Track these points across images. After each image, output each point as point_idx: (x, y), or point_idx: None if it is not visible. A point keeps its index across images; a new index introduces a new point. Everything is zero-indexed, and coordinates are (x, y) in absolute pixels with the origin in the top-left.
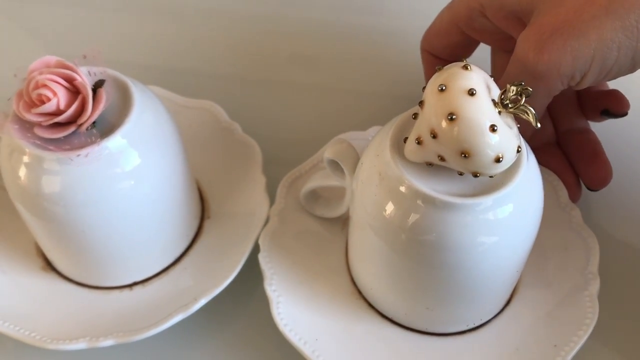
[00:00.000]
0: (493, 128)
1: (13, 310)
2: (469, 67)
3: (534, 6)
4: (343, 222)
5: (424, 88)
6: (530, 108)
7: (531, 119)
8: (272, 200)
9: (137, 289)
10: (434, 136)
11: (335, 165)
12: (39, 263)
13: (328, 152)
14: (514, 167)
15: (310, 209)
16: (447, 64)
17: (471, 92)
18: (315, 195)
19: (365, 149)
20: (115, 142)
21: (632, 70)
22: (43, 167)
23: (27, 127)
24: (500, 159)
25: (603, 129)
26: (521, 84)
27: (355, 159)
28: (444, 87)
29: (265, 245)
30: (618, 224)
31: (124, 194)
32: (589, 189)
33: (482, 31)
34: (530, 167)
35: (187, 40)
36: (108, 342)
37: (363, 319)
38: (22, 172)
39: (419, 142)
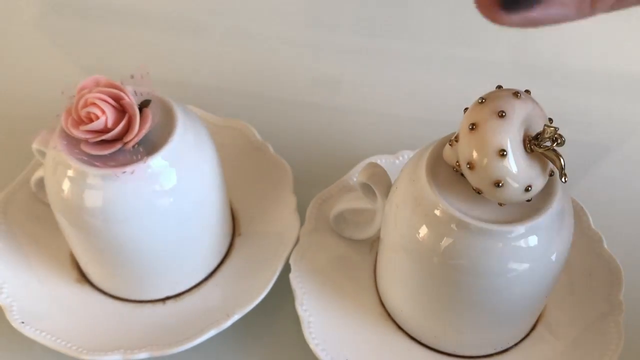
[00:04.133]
0: (527, 189)
1: (49, 320)
2: (503, 113)
3: None
4: (371, 243)
5: (465, 109)
6: (560, 155)
7: (557, 167)
8: (301, 220)
9: (169, 303)
10: (470, 167)
11: (367, 188)
12: (73, 275)
13: (361, 175)
14: (547, 195)
15: (340, 231)
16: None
17: (502, 154)
18: (344, 217)
19: (399, 174)
20: (158, 160)
21: None
22: (87, 181)
23: (74, 143)
24: (529, 189)
25: (622, 148)
26: (556, 129)
27: (388, 183)
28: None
29: (296, 265)
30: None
31: (163, 211)
32: None
33: None
34: (562, 198)
35: (221, 60)
36: (143, 355)
37: (392, 340)
38: (66, 185)
39: (456, 169)
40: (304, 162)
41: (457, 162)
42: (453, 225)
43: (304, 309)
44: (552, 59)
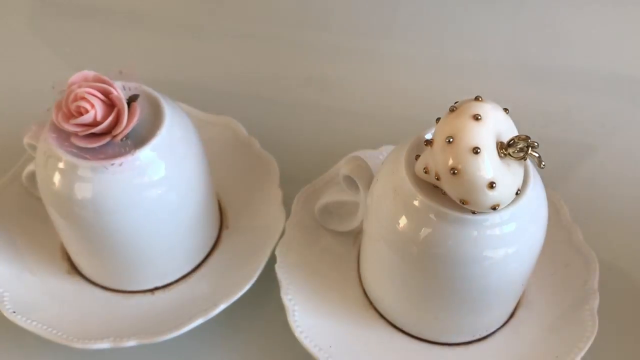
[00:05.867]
0: (492, 185)
1: (40, 310)
2: (479, 117)
3: None
4: (355, 235)
5: (438, 119)
6: (536, 154)
7: (537, 162)
8: (287, 214)
9: (158, 293)
10: (438, 178)
11: (350, 181)
12: (64, 267)
13: (344, 168)
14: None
15: (324, 223)
16: (461, 101)
17: (475, 151)
18: (329, 210)
19: (380, 167)
20: (146, 153)
21: None
22: (77, 174)
23: (64, 136)
24: (497, 207)
25: (607, 146)
26: (529, 138)
27: (370, 176)
28: (451, 140)
29: (281, 256)
30: (617, 241)
31: (151, 202)
32: None
33: None
34: (535, 187)
35: (209, 58)
36: (131, 343)
37: (374, 328)
38: (57, 178)
39: (426, 171)
40: (289, 158)
41: (427, 167)
42: (431, 215)
43: (289, 298)
44: (538, 59)
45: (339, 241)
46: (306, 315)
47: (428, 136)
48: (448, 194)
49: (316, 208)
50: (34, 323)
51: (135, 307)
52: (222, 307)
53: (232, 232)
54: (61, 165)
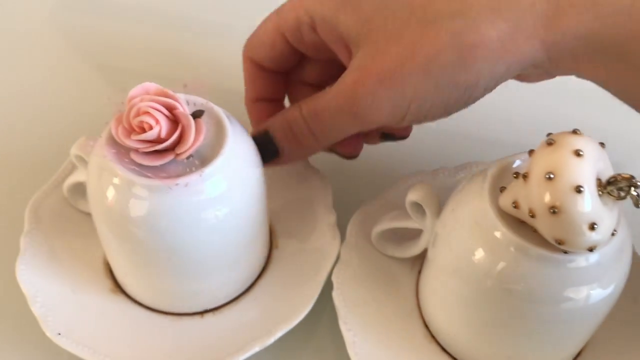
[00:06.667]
0: (593, 226)
1: (85, 332)
2: (581, 152)
3: (361, 41)
4: (412, 261)
5: (530, 151)
6: (635, 193)
7: (634, 201)
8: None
9: (208, 317)
10: (532, 215)
11: (417, 207)
12: (107, 285)
13: (413, 195)
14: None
15: (382, 249)
16: (558, 134)
17: (578, 189)
18: (386, 235)
19: (456, 195)
20: (211, 173)
21: (445, 116)
22: (135, 192)
23: (123, 152)
24: (594, 248)
25: None
26: (633, 177)
27: (437, 203)
28: (551, 176)
29: (338, 282)
30: None
31: (210, 223)
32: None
33: (309, 45)
34: (624, 227)
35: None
36: None
37: None
38: (112, 194)
39: (516, 206)
40: (341, 177)
41: (517, 202)
42: (512, 249)
43: (348, 328)
44: None
45: (395, 267)
46: (366, 347)
47: (516, 166)
48: (541, 232)
49: (374, 233)
50: (80, 347)
51: (184, 330)
52: (278, 334)
53: (282, 252)
54: (119, 181)
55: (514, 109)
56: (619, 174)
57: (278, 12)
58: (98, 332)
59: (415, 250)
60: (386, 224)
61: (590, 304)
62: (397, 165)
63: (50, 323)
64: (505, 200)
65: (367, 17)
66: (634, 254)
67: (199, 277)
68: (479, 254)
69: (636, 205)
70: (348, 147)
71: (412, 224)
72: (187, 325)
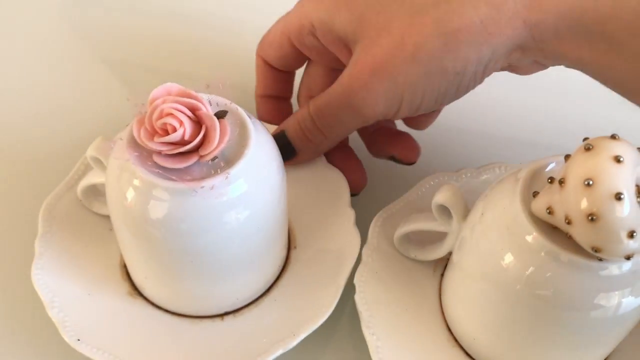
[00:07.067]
0: (632, 234)
1: (101, 336)
2: (621, 159)
3: (357, 38)
4: (434, 264)
5: (567, 156)
6: None
7: None
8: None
9: (228, 319)
10: (569, 222)
11: (442, 210)
12: (125, 287)
13: (439, 197)
14: None
15: (404, 251)
16: (596, 139)
17: (618, 197)
18: (408, 237)
19: (485, 198)
20: (235, 175)
21: (439, 106)
22: (159, 195)
23: (145, 154)
24: (631, 257)
25: None
26: None
27: (464, 205)
28: (590, 182)
29: (361, 285)
30: None
31: (233, 224)
32: (405, 163)
33: (311, 48)
34: None
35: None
36: None
37: None
38: (131, 195)
39: (550, 212)
40: None
41: (551, 208)
42: (543, 254)
43: (371, 333)
44: None
45: (417, 270)
46: (390, 352)
47: (549, 170)
48: (577, 239)
49: (397, 235)
50: (100, 352)
51: (205, 333)
52: (302, 336)
53: (301, 252)
54: (140, 184)
55: (533, 108)
56: None
57: (284, 18)
58: (117, 337)
59: (439, 253)
60: (410, 226)
61: (620, 312)
62: (416, 166)
63: (69, 328)
64: (539, 206)
65: (361, 14)
66: None
67: (221, 279)
68: (509, 258)
69: None
70: (405, 151)
71: (437, 226)
72: (207, 328)
